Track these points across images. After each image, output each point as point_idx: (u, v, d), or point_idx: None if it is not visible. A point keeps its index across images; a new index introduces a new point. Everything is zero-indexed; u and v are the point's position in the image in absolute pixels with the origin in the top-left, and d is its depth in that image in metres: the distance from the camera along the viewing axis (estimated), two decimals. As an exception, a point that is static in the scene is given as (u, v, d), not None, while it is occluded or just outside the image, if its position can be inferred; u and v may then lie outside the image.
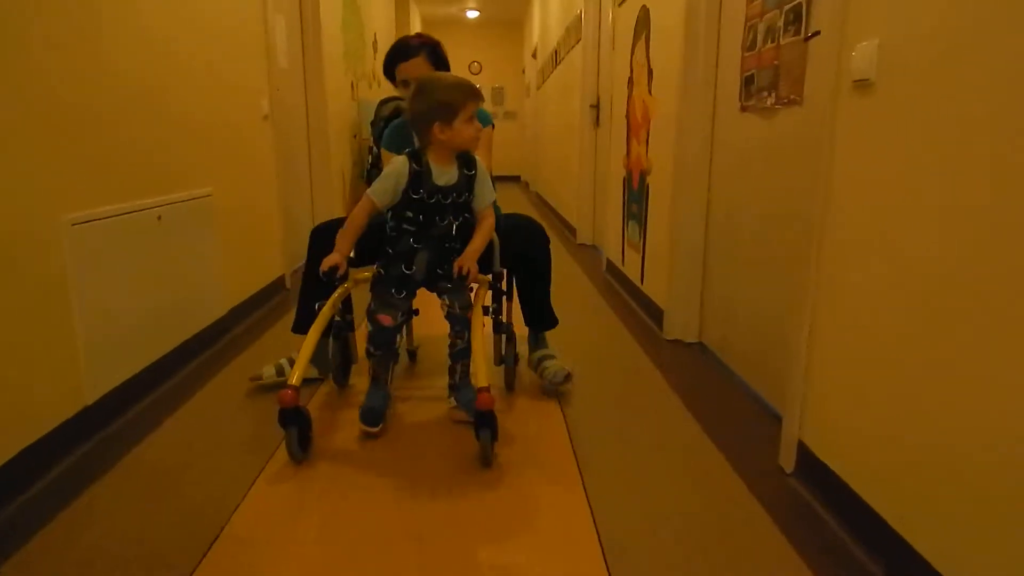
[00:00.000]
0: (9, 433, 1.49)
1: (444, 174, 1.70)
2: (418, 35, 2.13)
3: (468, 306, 1.80)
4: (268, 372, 2.11)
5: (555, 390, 2.09)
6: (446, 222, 1.72)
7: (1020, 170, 0.95)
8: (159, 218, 2.11)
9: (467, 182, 1.73)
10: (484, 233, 1.78)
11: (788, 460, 1.61)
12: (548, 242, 2.15)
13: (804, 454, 1.56)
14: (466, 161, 1.73)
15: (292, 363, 2.05)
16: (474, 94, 1.68)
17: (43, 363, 1.61)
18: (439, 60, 2.09)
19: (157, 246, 2.12)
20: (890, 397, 1.25)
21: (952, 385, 1.09)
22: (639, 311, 3.11)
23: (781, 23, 1.84)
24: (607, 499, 1.50)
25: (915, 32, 1.18)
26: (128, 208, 1.95)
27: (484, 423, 1.61)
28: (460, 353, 1.83)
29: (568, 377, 2.08)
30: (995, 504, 1.00)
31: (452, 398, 1.91)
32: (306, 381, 2.07)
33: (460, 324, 1.80)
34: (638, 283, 3.18)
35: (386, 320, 1.76)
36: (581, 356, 2.37)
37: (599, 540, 1.36)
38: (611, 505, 1.48)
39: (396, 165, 1.68)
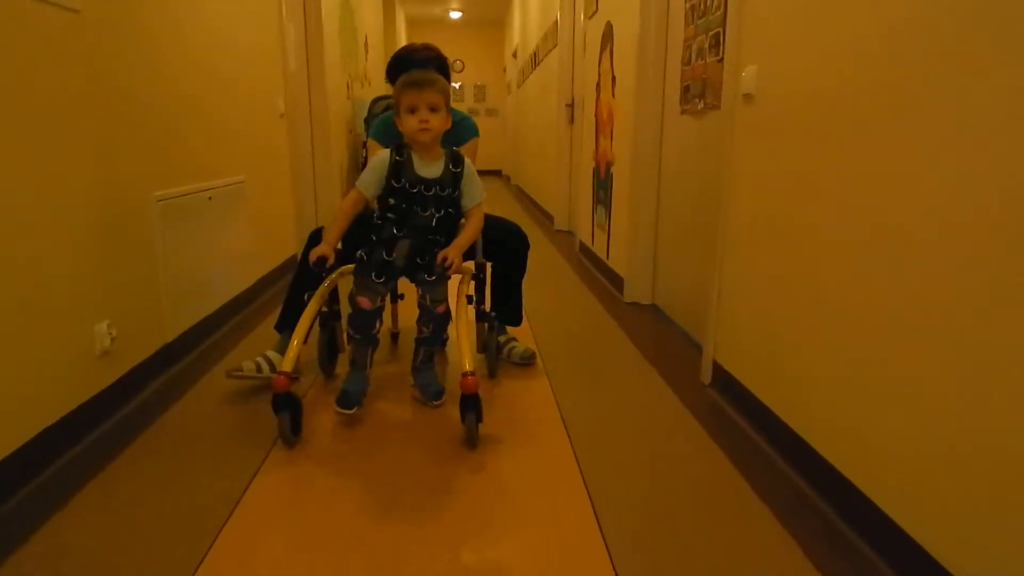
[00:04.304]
0: (122, 355, 1.97)
1: (427, 166, 1.75)
2: (425, 46, 2.14)
3: (439, 301, 1.85)
4: (248, 366, 2.06)
5: (523, 364, 2.30)
6: (428, 213, 1.76)
7: (854, 158, 1.48)
8: (210, 198, 2.59)
9: (452, 178, 1.77)
10: (471, 231, 1.83)
11: (707, 375, 2.14)
12: (528, 246, 2.28)
13: (717, 369, 2.09)
14: (454, 158, 1.79)
15: (268, 360, 2.07)
16: (410, 85, 1.69)
17: (138, 306, 2.09)
18: (444, 75, 2.09)
19: (209, 221, 2.60)
20: (773, 326, 1.78)
21: (816, 314, 1.62)
22: (604, 281, 3.64)
23: (707, 45, 2.37)
24: (584, 429, 2.01)
25: (778, 62, 1.71)
26: (189, 190, 2.43)
27: (469, 406, 1.69)
28: (422, 340, 1.92)
29: (532, 356, 2.29)
30: (828, 379, 1.54)
31: (412, 377, 2.02)
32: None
33: (427, 315, 1.86)
34: (604, 258, 3.71)
35: (365, 303, 1.79)
36: (559, 320, 2.87)
37: (571, 443, 1.88)
38: (586, 425, 1.99)
39: (381, 155, 1.76)
